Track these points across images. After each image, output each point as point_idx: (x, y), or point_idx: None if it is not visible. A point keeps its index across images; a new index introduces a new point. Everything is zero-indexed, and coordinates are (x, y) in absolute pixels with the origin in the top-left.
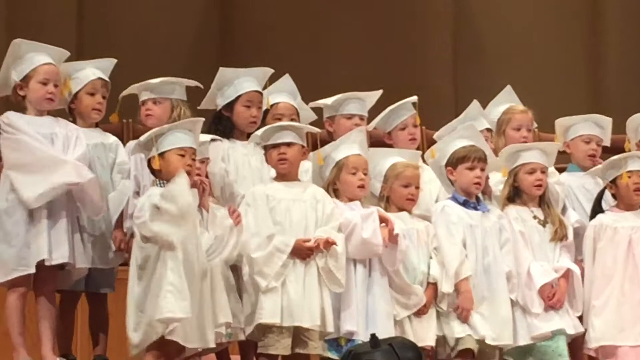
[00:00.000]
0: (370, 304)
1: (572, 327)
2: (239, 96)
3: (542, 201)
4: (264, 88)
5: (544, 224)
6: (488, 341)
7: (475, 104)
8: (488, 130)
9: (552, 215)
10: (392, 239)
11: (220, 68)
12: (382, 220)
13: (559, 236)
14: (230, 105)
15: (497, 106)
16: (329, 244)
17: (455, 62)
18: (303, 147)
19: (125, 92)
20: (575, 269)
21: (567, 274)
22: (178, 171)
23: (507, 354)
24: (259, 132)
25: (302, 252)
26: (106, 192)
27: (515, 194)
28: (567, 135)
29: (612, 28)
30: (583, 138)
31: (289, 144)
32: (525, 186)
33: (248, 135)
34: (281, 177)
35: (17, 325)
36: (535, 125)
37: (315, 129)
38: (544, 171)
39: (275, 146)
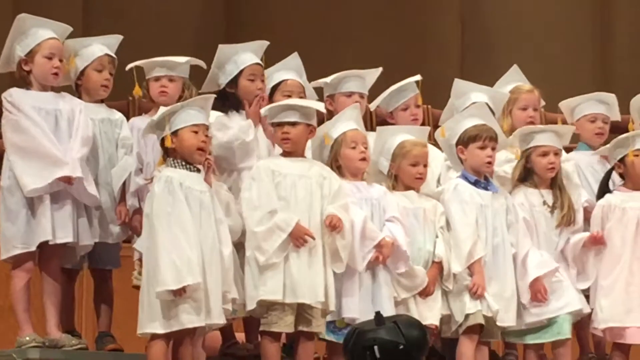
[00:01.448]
0: (375, 289)
1: (578, 303)
2: (241, 71)
3: (554, 184)
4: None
5: (552, 209)
6: (497, 321)
7: (457, 82)
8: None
9: (562, 199)
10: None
11: (219, 46)
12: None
13: (565, 221)
14: (233, 81)
15: (504, 86)
16: (333, 226)
17: (462, 42)
18: (309, 125)
19: (134, 64)
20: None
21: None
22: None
23: (506, 334)
24: (265, 109)
25: (299, 237)
26: (111, 167)
27: (526, 175)
28: (573, 116)
29: (620, 10)
30: (588, 117)
31: (293, 124)
32: (538, 169)
33: None
34: (287, 154)
35: (22, 301)
36: (543, 103)
37: (322, 108)
38: (557, 153)
39: (280, 124)
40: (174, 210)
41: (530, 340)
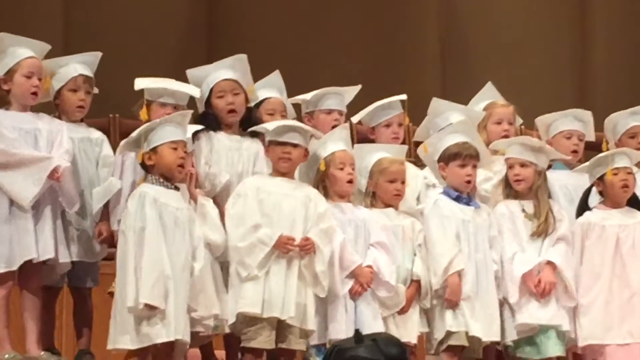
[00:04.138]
0: (357, 309)
1: (566, 324)
2: (211, 90)
3: (532, 194)
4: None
5: (531, 217)
6: (479, 336)
7: (435, 101)
8: None
9: (540, 209)
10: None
11: (187, 71)
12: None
13: (540, 231)
14: (208, 102)
15: (478, 103)
16: (306, 249)
17: (443, 61)
18: (306, 150)
19: (145, 86)
20: (557, 260)
21: (554, 265)
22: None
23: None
24: (271, 125)
25: (284, 245)
26: (92, 186)
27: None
28: (548, 133)
29: (599, 29)
30: (564, 134)
31: (295, 145)
32: (510, 181)
33: (241, 127)
34: (277, 173)
35: (1, 319)
36: (521, 121)
37: (320, 134)
38: (523, 165)
39: (281, 144)
40: (145, 226)
41: (521, 354)
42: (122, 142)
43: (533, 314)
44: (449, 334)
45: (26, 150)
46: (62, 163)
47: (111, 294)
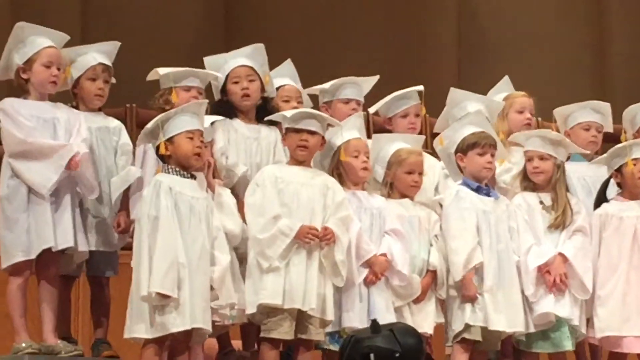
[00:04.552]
0: (371, 298)
1: (577, 320)
2: (227, 77)
3: (551, 186)
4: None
5: (549, 210)
6: (503, 328)
7: (453, 91)
8: None
9: (558, 201)
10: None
11: (204, 58)
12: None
13: (558, 223)
14: (224, 89)
15: (494, 96)
16: (326, 239)
17: (460, 54)
18: (323, 138)
19: (169, 71)
20: (569, 253)
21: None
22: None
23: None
24: (289, 113)
25: (305, 235)
26: (110, 175)
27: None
28: (566, 124)
29: (616, 17)
30: (582, 125)
31: (313, 133)
32: (527, 173)
33: (257, 117)
34: (295, 162)
35: (18, 308)
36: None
37: (338, 122)
38: (542, 158)
39: (299, 131)
40: (159, 214)
41: (535, 349)
42: (141, 134)
43: (550, 306)
44: (467, 326)
45: (45, 139)
46: (80, 149)
47: None
